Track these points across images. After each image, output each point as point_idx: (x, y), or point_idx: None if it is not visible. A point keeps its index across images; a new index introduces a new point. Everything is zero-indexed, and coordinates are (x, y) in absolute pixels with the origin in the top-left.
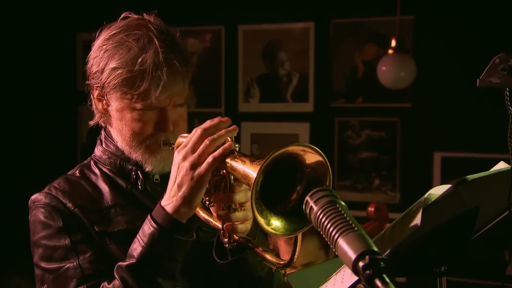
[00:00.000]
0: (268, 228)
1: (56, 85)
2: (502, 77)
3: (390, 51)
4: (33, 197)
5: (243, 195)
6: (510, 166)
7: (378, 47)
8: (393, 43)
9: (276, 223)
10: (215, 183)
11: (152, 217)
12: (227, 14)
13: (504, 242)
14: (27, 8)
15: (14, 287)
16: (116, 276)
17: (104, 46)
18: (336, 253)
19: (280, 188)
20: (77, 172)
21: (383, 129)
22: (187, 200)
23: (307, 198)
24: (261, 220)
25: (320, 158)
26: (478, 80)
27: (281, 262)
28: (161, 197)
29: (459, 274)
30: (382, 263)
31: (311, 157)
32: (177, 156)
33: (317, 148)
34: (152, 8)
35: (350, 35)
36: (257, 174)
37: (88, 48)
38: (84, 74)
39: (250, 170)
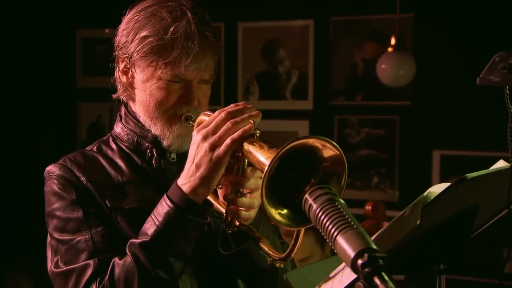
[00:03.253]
0: (275, 216)
1: (55, 82)
2: (502, 75)
3: (390, 49)
4: (48, 168)
5: (254, 181)
6: (509, 164)
7: (378, 45)
8: (393, 41)
9: (283, 213)
10: (228, 165)
11: (168, 197)
12: (227, 11)
13: (503, 240)
14: (27, 5)
15: (15, 284)
16: (128, 253)
17: (136, 17)
18: (335, 251)
19: (294, 179)
20: (94, 147)
21: (382, 127)
22: (205, 181)
23: (306, 196)
24: (269, 208)
25: (337, 156)
26: (478, 78)
27: (277, 256)
28: (176, 177)
29: (458, 272)
30: (381, 261)
31: (330, 153)
32: (197, 136)
33: (337, 145)
34: None
35: (350, 33)
36: (273, 159)
37: (87, 44)
38: (83, 71)
39: (266, 156)
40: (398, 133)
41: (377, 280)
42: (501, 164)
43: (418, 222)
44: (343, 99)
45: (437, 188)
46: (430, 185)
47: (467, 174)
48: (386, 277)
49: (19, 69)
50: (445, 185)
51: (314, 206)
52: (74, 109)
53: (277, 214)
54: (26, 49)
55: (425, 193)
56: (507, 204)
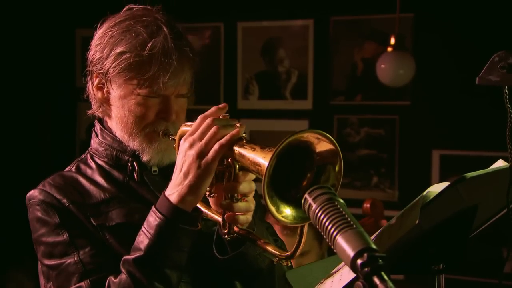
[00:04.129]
0: (278, 216)
1: (55, 82)
2: (501, 75)
3: (389, 49)
4: (28, 194)
5: (247, 185)
6: (508, 164)
7: (378, 45)
8: (393, 40)
9: (286, 211)
10: (218, 173)
11: (157, 209)
12: (226, 11)
13: (503, 240)
14: (27, 4)
15: (16, 283)
16: (123, 270)
17: (110, 32)
18: (335, 250)
19: (290, 175)
20: (73, 168)
21: (382, 127)
22: (193, 189)
23: (306, 195)
24: (272, 207)
25: (332, 147)
26: (477, 78)
27: (284, 254)
28: (160, 188)
29: (458, 272)
30: (380, 260)
31: (324, 145)
32: (184, 144)
33: (331, 137)
34: (151, 3)
35: (350, 32)
36: (271, 158)
37: (87, 44)
38: (83, 70)
39: (261, 156)
40: (397, 132)
41: (376, 280)
42: (500, 163)
43: (418, 222)
44: (342, 98)
45: (436, 188)
46: (429, 185)
47: (466, 174)
48: (385, 277)
49: (19, 69)
50: (444, 185)
51: (314, 205)
52: (73, 109)
53: (281, 213)
54: (26, 48)
55: (425, 193)
56: (506, 203)
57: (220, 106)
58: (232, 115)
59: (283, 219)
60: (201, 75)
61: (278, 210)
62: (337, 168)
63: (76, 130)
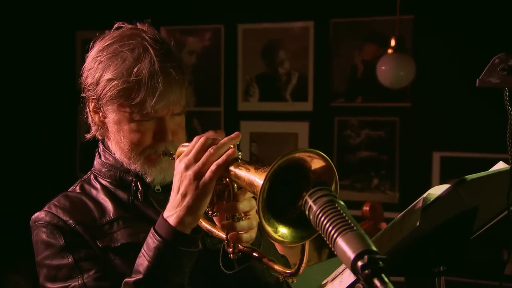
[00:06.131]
0: (276, 237)
1: (56, 84)
2: (502, 77)
3: (390, 51)
4: (33, 216)
5: (247, 203)
6: (509, 166)
7: (378, 47)
8: (393, 42)
9: (283, 231)
10: (218, 192)
11: (155, 231)
12: (227, 13)
13: (503, 242)
14: (28, 7)
15: (13, 285)
16: None
17: (99, 58)
18: (335, 252)
19: (286, 195)
20: (77, 188)
21: (382, 129)
22: (192, 210)
23: (306, 197)
24: (269, 229)
25: (325, 164)
26: (477, 80)
27: (288, 271)
28: (164, 206)
29: (458, 274)
30: (381, 262)
31: (317, 162)
32: (179, 165)
33: (323, 154)
34: (153, 7)
35: (350, 34)
36: (263, 182)
37: (88, 46)
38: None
39: (255, 178)
40: (398, 134)
41: (377, 282)
42: (500, 165)
43: (418, 224)
44: (343, 100)
45: (437, 190)
46: (430, 186)
47: (467, 176)
48: (386, 279)
49: (20, 71)
50: (445, 187)
51: (314, 207)
52: (74, 111)
53: (278, 234)
54: (27, 51)
55: (425, 195)
56: (506, 205)
57: (217, 131)
58: (232, 117)
59: (281, 239)
60: (201, 77)
61: (276, 231)
62: (333, 187)
63: (77, 134)
